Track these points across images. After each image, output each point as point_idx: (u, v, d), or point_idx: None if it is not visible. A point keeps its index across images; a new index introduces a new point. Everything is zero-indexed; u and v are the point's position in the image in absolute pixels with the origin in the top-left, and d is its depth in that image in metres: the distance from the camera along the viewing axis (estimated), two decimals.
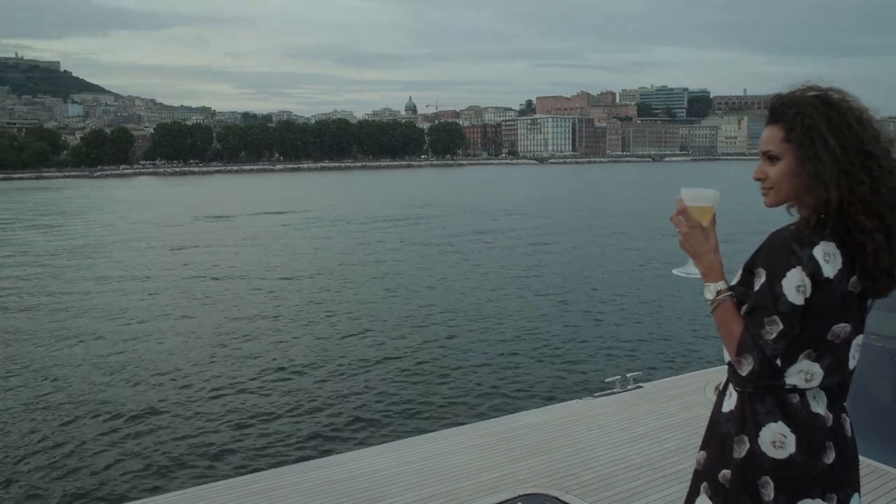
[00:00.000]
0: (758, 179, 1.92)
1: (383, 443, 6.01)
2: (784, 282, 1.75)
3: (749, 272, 1.86)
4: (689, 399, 5.76)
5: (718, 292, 1.87)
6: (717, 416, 1.99)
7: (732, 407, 1.92)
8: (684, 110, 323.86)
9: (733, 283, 1.91)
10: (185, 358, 12.83)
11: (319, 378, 11.34)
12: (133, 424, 9.63)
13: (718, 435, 1.95)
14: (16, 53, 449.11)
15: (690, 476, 1.90)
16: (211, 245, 31.41)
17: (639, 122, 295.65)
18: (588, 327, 14.78)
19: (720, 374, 6.50)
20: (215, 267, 24.44)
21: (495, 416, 6.10)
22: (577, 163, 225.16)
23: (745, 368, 1.79)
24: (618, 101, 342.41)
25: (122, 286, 21.16)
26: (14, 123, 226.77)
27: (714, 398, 6.05)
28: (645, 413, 5.48)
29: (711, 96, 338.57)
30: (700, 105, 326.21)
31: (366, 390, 10.72)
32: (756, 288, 1.81)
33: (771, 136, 1.86)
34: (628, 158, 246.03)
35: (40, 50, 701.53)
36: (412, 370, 11.79)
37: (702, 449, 2.03)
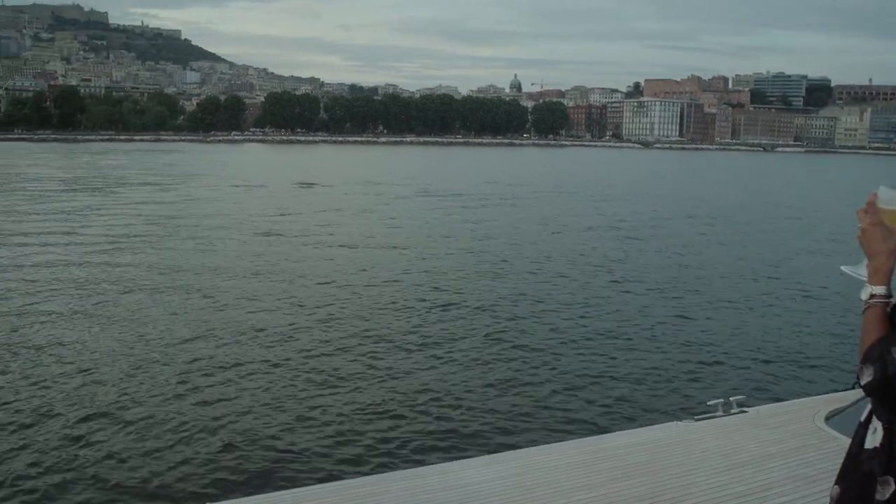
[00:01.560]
0: None
1: (480, 454, 6.08)
2: None
3: None
4: (797, 427, 5.56)
5: (872, 296, 1.83)
6: (857, 451, 1.87)
7: (877, 444, 1.80)
8: (801, 99, 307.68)
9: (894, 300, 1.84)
10: (283, 352, 12.80)
11: (415, 385, 11.25)
12: (236, 419, 9.76)
13: (859, 472, 1.84)
14: (142, 22, 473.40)
15: None
16: (308, 213, 32.30)
17: (751, 109, 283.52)
18: (689, 341, 13.84)
19: (832, 402, 6.29)
20: (311, 237, 25.12)
21: (590, 434, 6.07)
22: (684, 149, 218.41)
23: (865, 379, 1.75)
24: (730, 86, 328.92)
25: (223, 248, 22.11)
26: (137, 88, 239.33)
27: (826, 428, 5.90)
28: (749, 439, 5.34)
29: (832, 85, 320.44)
30: (819, 94, 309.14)
31: (461, 398, 10.66)
32: None
33: None
34: (738, 147, 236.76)
35: (164, 19, 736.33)
36: (505, 379, 11.57)
37: (837, 483, 1.93)
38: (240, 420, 9.68)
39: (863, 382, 1.75)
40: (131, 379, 10.97)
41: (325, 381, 11.21)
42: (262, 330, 13.85)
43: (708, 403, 6.01)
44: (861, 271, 1.93)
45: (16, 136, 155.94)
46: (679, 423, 5.85)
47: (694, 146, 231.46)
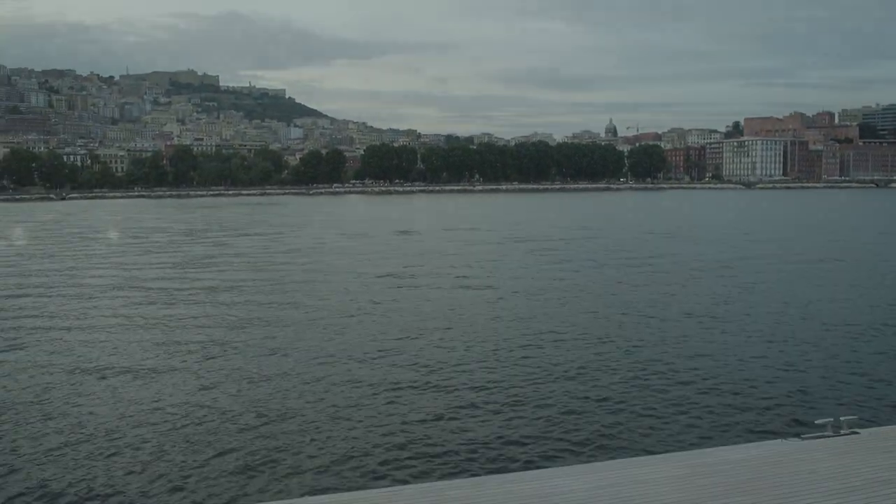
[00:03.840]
0: None
1: (576, 463, 6.08)
2: None
3: None
4: None
5: None
6: None
7: None
8: None
9: None
10: (387, 362, 13.61)
11: (513, 391, 11.58)
12: (342, 424, 10.26)
13: None
14: (249, 83, 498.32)
15: None
16: (407, 259, 32.84)
17: (860, 144, 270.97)
18: (798, 358, 13.58)
19: None
20: (416, 280, 25.57)
21: (691, 448, 5.97)
22: (788, 188, 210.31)
23: None
24: (836, 121, 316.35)
25: (327, 292, 22.81)
26: (245, 145, 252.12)
27: None
28: (861, 462, 5.17)
29: None
30: None
31: (561, 406, 10.84)
32: None
33: None
34: (847, 184, 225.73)
35: (270, 79, 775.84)
36: (606, 389, 11.71)
37: None
38: (347, 424, 10.20)
39: None
40: (251, 398, 11.59)
41: (426, 396, 11.55)
42: (380, 350, 14.38)
43: (816, 423, 5.87)
44: None
45: (136, 194, 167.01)
46: (784, 441, 5.74)
47: (799, 185, 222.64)
